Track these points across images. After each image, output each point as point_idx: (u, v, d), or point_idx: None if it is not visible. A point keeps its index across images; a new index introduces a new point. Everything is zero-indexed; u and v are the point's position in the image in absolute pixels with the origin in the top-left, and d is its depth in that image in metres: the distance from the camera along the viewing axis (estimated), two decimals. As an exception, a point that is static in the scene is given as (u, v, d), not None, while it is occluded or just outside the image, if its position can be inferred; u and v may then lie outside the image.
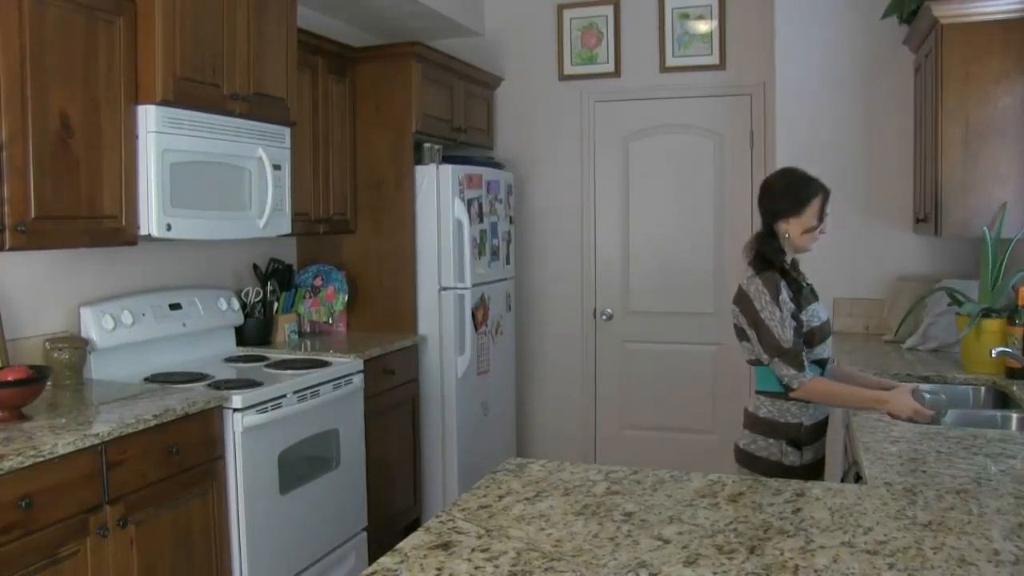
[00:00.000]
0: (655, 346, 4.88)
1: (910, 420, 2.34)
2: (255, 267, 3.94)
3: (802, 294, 2.46)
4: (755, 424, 2.50)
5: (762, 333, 2.39)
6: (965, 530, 1.48)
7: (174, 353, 3.34)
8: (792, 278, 2.46)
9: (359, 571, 3.30)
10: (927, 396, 2.45)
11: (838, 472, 3.36)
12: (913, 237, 3.88)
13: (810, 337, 2.44)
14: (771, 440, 2.45)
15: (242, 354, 3.62)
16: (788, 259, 2.49)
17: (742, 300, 2.46)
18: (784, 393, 2.43)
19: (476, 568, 1.36)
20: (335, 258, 4.24)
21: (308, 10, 4.04)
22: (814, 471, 2.48)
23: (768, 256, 2.45)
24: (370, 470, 3.61)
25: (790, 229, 2.45)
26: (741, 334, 2.51)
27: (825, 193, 2.47)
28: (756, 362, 2.50)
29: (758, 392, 2.52)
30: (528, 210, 5.04)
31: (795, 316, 2.39)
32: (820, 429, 2.49)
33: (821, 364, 2.50)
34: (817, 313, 2.47)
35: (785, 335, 2.35)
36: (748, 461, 2.50)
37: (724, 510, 1.60)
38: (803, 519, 1.54)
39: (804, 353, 2.38)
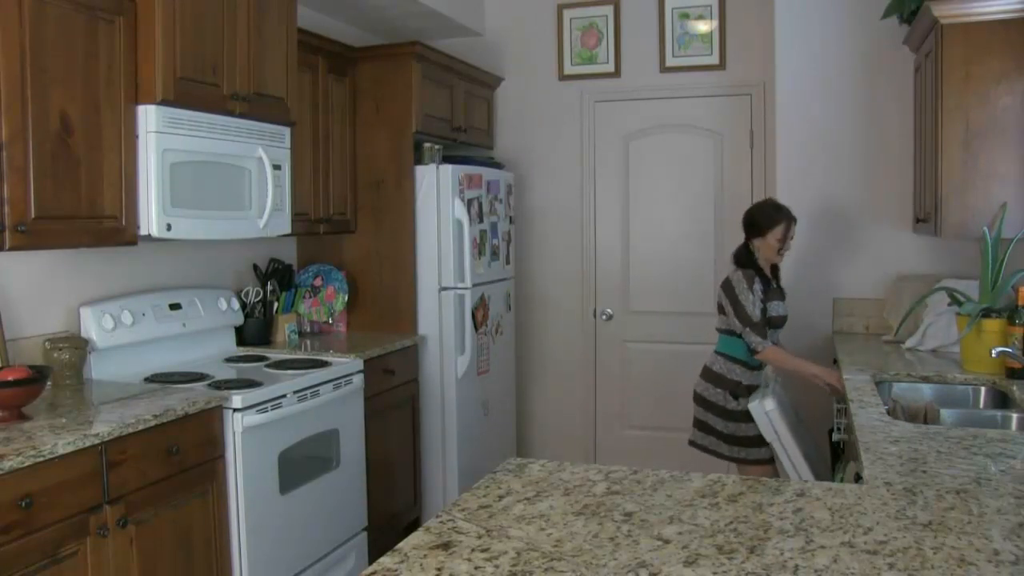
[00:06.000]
0: (655, 346, 4.88)
1: (832, 385, 3.17)
2: (255, 267, 3.94)
3: (770, 291, 3.28)
4: (709, 375, 3.37)
5: (738, 310, 3.22)
6: (965, 530, 1.48)
7: (174, 353, 3.34)
8: (766, 277, 3.29)
9: (359, 571, 3.30)
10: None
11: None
12: (913, 237, 3.88)
13: (768, 323, 3.24)
14: (718, 389, 3.31)
15: (242, 354, 3.62)
16: (765, 265, 3.31)
17: (726, 285, 3.30)
18: (735, 358, 3.30)
19: (476, 568, 1.36)
20: (335, 258, 4.23)
21: (308, 10, 4.04)
22: (748, 416, 3.20)
23: (744, 261, 3.31)
24: (370, 470, 3.62)
25: (759, 246, 3.30)
26: (720, 309, 3.35)
27: (788, 221, 3.27)
28: (725, 331, 3.35)
29: (717, 352, 3.37)
30: (528, 210, 5.04)
31: (761, 303, 3.21)
32: (754, 388, 3.27)
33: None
34: (777, 308, 3.31)
35: (755, 313, 3.20)
36: (701, 402, 3.38)
37: (724, 510, 1.60)
38: (803, 519, 1.54)
39: (766, 329, 3.22)
